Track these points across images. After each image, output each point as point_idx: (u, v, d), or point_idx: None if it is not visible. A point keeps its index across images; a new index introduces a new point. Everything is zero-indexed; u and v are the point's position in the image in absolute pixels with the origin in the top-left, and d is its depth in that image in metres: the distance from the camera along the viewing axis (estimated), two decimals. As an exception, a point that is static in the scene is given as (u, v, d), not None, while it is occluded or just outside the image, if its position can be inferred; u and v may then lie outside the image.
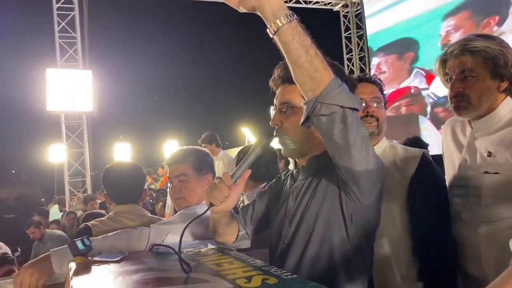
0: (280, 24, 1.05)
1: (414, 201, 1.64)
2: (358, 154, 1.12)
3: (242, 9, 1.10)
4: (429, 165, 1.69)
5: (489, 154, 1.48)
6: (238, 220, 1.48)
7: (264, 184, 2.52)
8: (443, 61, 1.59)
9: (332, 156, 1.16)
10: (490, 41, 1.48)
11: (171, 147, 14.93)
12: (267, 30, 1.09)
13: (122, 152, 14.79)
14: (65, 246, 1.49)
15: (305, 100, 1.12)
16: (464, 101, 1.51)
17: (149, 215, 2.15)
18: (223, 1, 1.14)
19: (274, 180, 1.57)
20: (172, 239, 1.62)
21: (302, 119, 1.13)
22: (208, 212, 1.34)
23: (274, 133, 1.34)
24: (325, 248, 1.24)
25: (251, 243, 1.50)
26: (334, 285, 1.20)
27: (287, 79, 1.31)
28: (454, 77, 1.53)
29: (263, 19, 1.08)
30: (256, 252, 1.45)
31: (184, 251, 1.44)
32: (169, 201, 5.28)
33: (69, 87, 9.83)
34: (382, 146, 1.75)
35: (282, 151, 1.40)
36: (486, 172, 1.47)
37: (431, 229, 1.58)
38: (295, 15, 1.07)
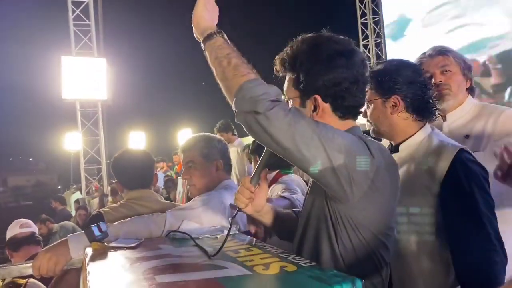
0: (202, 43, 1.22)
1: (444, 210, 1.43)
2: (302, 155, 1.06)
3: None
4: (467, 165, 1.43)
5: (467, 136, 1.80)
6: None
7: (277, 172, 2.49)
8: (420, 64, 1.86)
9: None
10: (457, 52, 1.91)
11: (185, 135, 14.99)
12: None
13: (137, 141, 14.90)
14: (81, 232, 1.49)
15: (295, 87, 1.25)
16: (446, 89, 1.84)
17: (163, 200, 2.15)
18: None
19: None
20: (187, 226, 1.61)
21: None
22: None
23: None
24: (316, 246, 1.21)
25: None
26: None
27: (285, 68, 1.31)
28: (434, 72, 1.85)
29: None
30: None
31: (201, 237, 1.43)
32: (180, 188, 5.30)
33: (84, 75, 9.90)
34: (419, 139, 1.55)
35: None
36: None
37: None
38: (220, 32, 1.20)
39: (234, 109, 1.10)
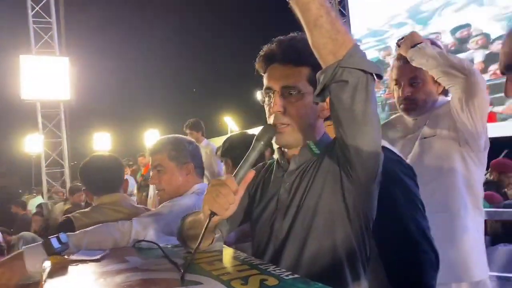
0: None
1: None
2: (373, 132, 1.04)
3: None
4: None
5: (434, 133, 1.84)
6: None
7: (253, 171, 2.42)
8: (392, 68, 1.93)
9: (342, 136, 1.06)
10: None
11: (152, 136, 14.71)
12: None
13: (102, 142, 14.50)
14: (38, 243, 1.37)
15: (310, 82, 1.15)
16: (413, 104, 1.87)
17: (136, 205, 2.05)
18: None
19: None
20: (155, 234, 1.52)
21: (317, 90, 1.04)
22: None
23: (272, 121, 1.20)
24: (327, 242, 1.13)
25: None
26: (338, 284, 1.10)
27: (283, 59, 1.21)
28: (403, 83, 1.87)
29: None
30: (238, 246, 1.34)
31: (170, 246, 1.34)
32: (151, 191, 5.14)
33: (45, 75, 9.50)
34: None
35: (277, 140, 1.23)
36: (424, 138, 1.83)
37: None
38: None
39: (335, 64, 0.98)
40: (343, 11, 13.25)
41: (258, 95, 1.31)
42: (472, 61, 7.53)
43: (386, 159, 1.13)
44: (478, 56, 7.80)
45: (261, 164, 1.43)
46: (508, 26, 7.27)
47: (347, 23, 12.40)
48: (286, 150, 1.28)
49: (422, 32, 8.57)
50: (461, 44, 8.14)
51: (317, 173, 1.18)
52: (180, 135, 1.97)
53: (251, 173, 1.11)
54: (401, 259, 1.34)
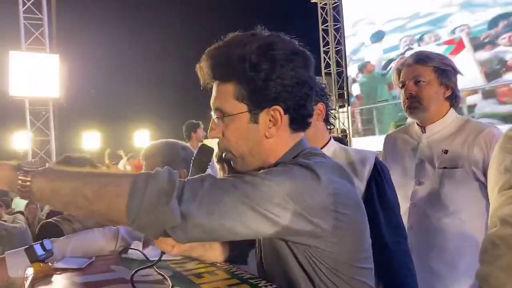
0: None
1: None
2: (247, 234, 0.87)
3: None
4: (383, 167, 1.57)
5: (446, 151, 1.78)
6: None
7: None
8: (398, 71, 1.90)
9: None
10: (440, 56, 1.86)
11: (142, 136, 14.63)
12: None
13: (91, 141, 14.35)
14: (22, 248, 1.32)
15: (240, 100, 0.97)
16: (416, 102, 1.82)
17: None
18: None
19: None
20: (139, 245, 1.47)
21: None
22: None
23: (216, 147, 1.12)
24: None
25: None
26: None
27: (217, 77, 1.02)
28: (407, 82, 1.84)
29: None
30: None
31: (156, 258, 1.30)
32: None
33: (34, 72, 9.37)
34: (331, 149, 1.58)
35: (233, 166, 1.09)
36: (444, 168, 1.77)
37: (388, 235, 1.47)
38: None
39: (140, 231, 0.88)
40: (337, 17, 13.32)
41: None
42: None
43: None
44: None
45: None
46: None
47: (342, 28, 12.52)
48: None
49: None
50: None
51: None
52: (174, 140, 1.93)
53: None
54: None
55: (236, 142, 1.01)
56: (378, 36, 11.16)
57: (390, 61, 10.52)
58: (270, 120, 0.99)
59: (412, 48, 9.88)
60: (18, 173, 0.85)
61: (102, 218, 0.88)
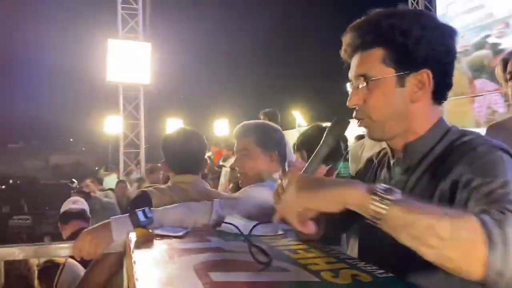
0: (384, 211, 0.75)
1: None
2: None
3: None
4: None
5: None
6: None
7: (324, 167, 2.34)
8: (505, 61, 1.76)
9: None
10: None
11: (221, 125, 15.01)
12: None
13: (174, 128, 14.93)
14: (125, 215, 1.42)
15: (388, 63, 0.98)
16: None
17: (209, 188, 2.06)
18: None
19: (362, 165, 1.30)
20: (234, 218, 1.51)
21: None
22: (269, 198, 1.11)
23: (354, 115, 1.08)
24: None
25: None
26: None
27: (361, 45, 1.04)
28: None
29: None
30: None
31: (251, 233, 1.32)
32: (222, 179, 5.21)
33: (128, 59, 10.02)
34: None
35: (368, 135, 1.11)
36: None
37: None
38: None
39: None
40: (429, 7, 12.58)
41: (348, 88, 1.16)
42: None
43: None
44: None
45: (374, 154, 1.27)
46: None
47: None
48: (390, 144, 1.11)
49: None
50: None
51: (428, 184, 0.99)
52: (267, 122, 1.95)
53: (321, 169, 1.07)
54: None
55: (379, 107, 1.02)
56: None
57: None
58: (416, 85, 1.00)
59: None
60: (371, 197, 0.76)
61: (447, 264, 0.71)
